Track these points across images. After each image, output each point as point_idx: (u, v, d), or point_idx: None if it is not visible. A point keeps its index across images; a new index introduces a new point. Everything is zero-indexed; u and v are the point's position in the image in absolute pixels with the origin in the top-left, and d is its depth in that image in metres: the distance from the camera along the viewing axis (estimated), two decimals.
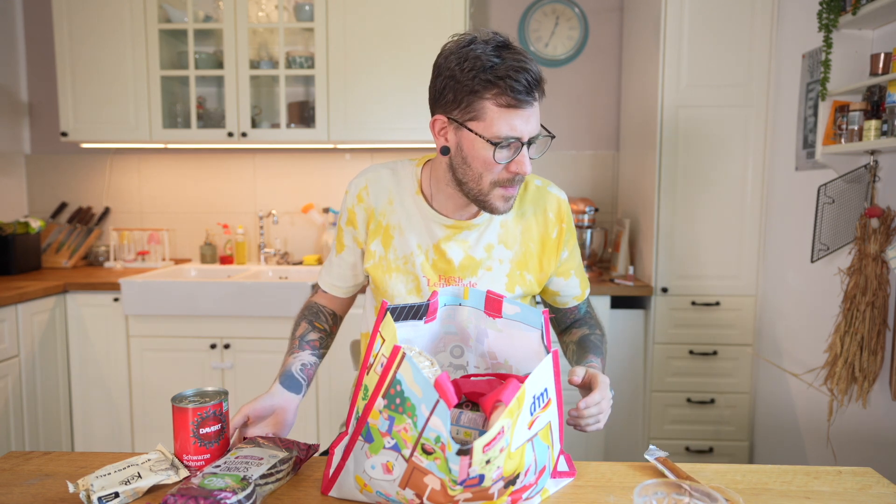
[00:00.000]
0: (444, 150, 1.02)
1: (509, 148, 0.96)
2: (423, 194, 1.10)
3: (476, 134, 0.96)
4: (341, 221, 1.18)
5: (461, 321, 0.97)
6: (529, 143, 0.97)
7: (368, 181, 1.14)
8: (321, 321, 1.20)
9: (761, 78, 2.19)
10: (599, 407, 0.93)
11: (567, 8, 2.78)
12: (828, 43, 1.75)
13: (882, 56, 1.62)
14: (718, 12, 2.19)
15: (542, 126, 1.01)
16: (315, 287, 1.28)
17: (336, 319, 1.25)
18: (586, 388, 0.98)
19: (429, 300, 0.92)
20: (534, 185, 1.15)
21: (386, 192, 1.12)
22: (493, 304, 0.94)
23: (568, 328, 1.24)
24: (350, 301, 1.28)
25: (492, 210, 1.02)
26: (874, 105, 1.64)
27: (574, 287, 1.19)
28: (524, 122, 0.95)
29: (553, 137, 1.01)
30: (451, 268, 1.09)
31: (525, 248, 1.12)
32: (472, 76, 0.93)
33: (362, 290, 1.27)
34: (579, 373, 0.98)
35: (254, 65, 2.57)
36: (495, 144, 0.95)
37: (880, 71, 1.62)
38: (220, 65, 2.60)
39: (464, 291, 0.95)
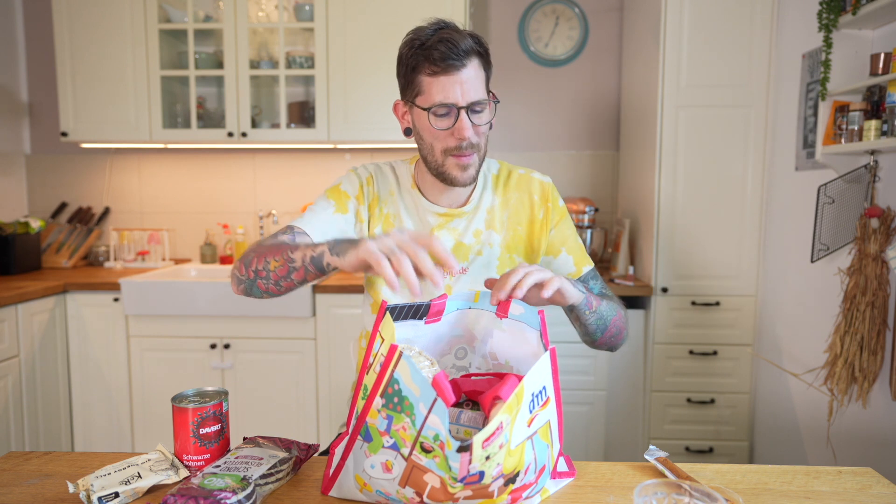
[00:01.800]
0: (407, 132, 1.12)
1: (448, 115, 1.03)
2: (417, 188, 1.16)
3: (420, 108, 1.05)
4: (345, 187, 1.15)
5: (468, 323, 0.97)
6: (472, 109, 1.03)
7: (373, 171, 1.19)
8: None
9: (761, 78, 2.19)
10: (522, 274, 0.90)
11: (567, 8, 2.78)
12: (828, 43, 1.75)
13: (882, 56, 1.62)
14: (718, 12, 2.19)
15: (490, 93, 1.07)
16: (287, 233, 1.07)
17: None
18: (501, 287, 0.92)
19: (432, 301, 0.92)
20: (517, 174, 1.20)
21: (387, 184, 1.18)
22: (502, 305, 0.94)
23: None
24: None
25: (452, 181, 1.07)
26: (874, 105, 1.65)
27: (567, 264, 1.19)
28: (454, 87, 1.01)
29: (497, 102, 1.08)
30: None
31: (513, 232, 1.16)
32: (411, 55, 1.03)
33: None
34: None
35: (254, 65, 2.57)
36: (427, 110, 1.03)
37: (880, 71, 1.62)
38: (220, 65, 2.60)
39: (475, 296, 0.95)
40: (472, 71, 1.02)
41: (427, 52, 1.00)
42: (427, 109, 1.03)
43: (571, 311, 1.06)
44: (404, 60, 1.05)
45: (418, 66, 1.02)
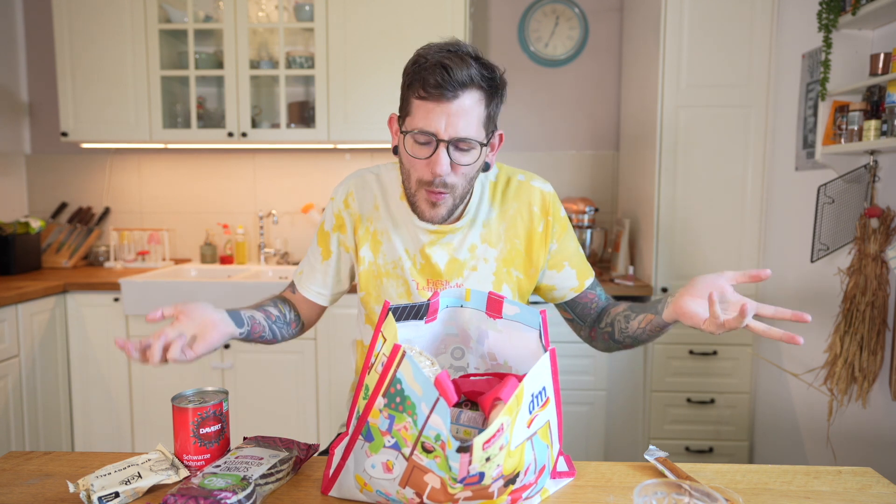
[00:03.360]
0: (395, 150, 1.05)
1: (428, 145, 0.96)
2: (406, 199, 1.10)
3: (403, 128, 1.00)
4: (327, 227, 1.16)
5: (462, 323, 0.97)
6: (455, 146, 0.96)
7: (354, 187, 1.14)
8: (285, 308, 1.16)
9: (761, 78, 2.19)
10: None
11: (567, 8, 2.78)
12: (828, 43, 1.75)
13: (882, 56, 1.62)
14: (718, 12, 2.19)
15: (493, 133, 1.01)
16: (290, 287, 1.22)
17: (299, 324, 1.20)
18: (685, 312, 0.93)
19: (429, 300, 0.92)
20: (516, 181, 1.13)
21: (371, 197, 1.12)
22: (494, 305, 0.94)
23: (600, 316, 1.17)
24: (322, 311, 1.24)
25: (420, 215, 1.03)
26: (874, 105, 1.65)
27: (569, 279, 1.16)
28: (440, 117, 0.94)
29: (484, 146, 0.99)
30: (437, 272, 1.09)
31: (511, 246, 1.11)
32: (408, 73, 0.98)
33: (352, 290, 1.26)
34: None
35: (254, 65, 2.57)
36: (406, 133, 0.98)
37: (880, 71, 1.62)
38: (220, 65, 2.60)
39: (466, 293, 0.95)
40: (465, 104, 0.94)
41: (423, 75, 0.94)
42: (406, 133, 0.98)
43: (667, 326, 1.03)
44: (405, 76, 0.99)
45: (413, 85, 0.97)
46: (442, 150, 0.95)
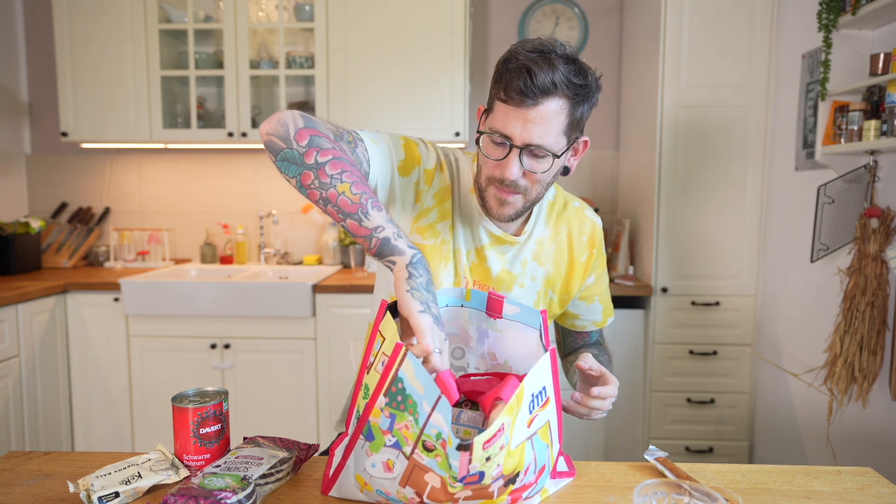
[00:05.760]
0: (478, 141, 1.00)
1: (503, 146, 0.93)
2: (476, 193, 1.06)
3: (482, 124, 0.98)
4: (426, 160, 1.04)
5: (462, 322, 0.97)
6: (529, 152, 0.92)
7: (444, 160, 1.07)
8: None
9: (761, 78, 2.19)
10: (610, 401, 0.94)
11: (567, 8, 2.78)
12: (827, 43, 1.75)
13: (882, 56, 1.62)
14: (718, 12, 2.19)
15: (577, 139, 0.97)
16: (355, 142, 0.97)
17: None
18: (591, 380, 0.97)
19: None
20: (572, 206, 1.13)
21: (450, 179, 1.08)
22: (494, 305, 0.94)
23: (573, 352, 1.21)
24: None
25: (488, 212, 1.00)
26: (874, 105, 1.65)
27: (595, 313, 1.17)
28: (517, 122, 0.91)
29: (557, 157, 0.94)
30: (489, 277, 1.07)
31: (556, 268, 1.11)
32: (498, 69, 0.93)
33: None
34: (590, 360, 0.95)
35: (254, 65, 2.57)
36: (482, 133, 0.96)
37: (880, 71, 1.62)
38: (220, 65, 2.60)
39: (466, 293, 0.95)
40: (545, 112, 0.89)
41: (509, 77, 0.90)
42: (482, 133, 0.96)
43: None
44: (495, 70, 0.95)
45: (498, 83, 0.93)
46: (514, 155, 0.92)
